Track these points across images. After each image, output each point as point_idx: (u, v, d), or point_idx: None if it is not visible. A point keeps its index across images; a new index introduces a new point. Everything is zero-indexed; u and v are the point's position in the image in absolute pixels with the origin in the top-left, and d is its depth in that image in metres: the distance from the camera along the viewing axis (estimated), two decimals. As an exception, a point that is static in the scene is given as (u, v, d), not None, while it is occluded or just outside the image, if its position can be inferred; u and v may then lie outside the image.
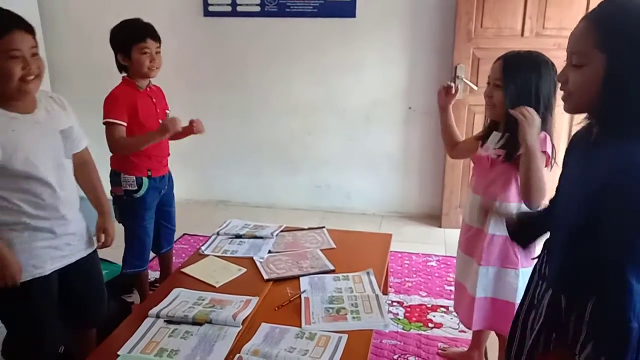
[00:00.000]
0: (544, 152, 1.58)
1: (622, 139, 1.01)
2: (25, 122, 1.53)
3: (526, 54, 1.65)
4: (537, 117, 1.50)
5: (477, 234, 1.74)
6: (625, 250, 1.02)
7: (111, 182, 2.27)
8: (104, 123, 2.16)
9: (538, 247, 1.54)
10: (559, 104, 1.62)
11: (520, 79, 1.59)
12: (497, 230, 1.67)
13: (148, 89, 2.27)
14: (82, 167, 1.79)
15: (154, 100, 2.28)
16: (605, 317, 1.06)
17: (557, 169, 1.46)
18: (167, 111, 2.33)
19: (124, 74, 2.24)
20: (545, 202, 1.50)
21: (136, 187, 2.25)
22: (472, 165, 1.85)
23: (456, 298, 1.91)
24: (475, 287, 1.73)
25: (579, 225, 1.11)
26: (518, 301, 1.58)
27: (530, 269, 1.65)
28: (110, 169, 2.29)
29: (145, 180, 2.27)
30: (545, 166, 1.60)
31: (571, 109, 1.10)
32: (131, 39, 2.15)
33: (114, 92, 2.20)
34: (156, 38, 2.21)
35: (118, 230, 2.37)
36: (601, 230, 1.04)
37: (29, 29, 1.49)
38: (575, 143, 1.21)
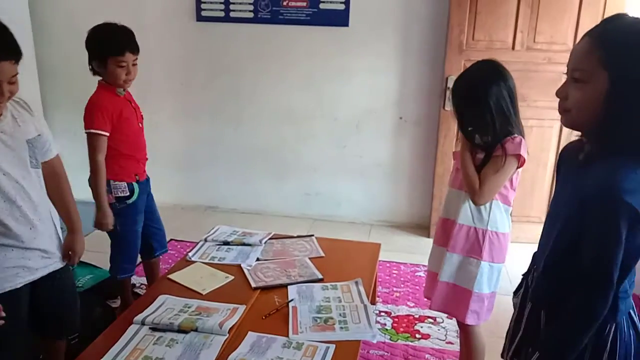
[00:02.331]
0: (519, 155, 1.66)
1: (614, 157, 1.01)
2: None
3: (471, 74, 1.71)
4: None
5: (451, 225, 1.81)
6: (597, 269, 1.03)
7: None
8: (86, 132, 2.10)
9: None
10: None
11: (468, 108, 1.69)
12: (465, 220, 1.76)
13: (126, 93, 2.23)
14: (52, 179, 1.70)
15: (132, 105, 2.26)
16: (563, 329, 1.08)
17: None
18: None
19: (100, 78, 2.17)
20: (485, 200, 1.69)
21: (128, 193, 2.22)
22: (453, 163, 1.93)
23: (428, 286, 1.97)
24: (441, 271, 1.81)
25: (562, 243, 1.12)
26: (476, 290, 1.75)
27: (497, 265, 1.75)
28: None
29: (136, 185, 2.26)
30: (518, 167, 1.69)
31: (569, 124, 1.10)
32: (108, 50, 2.07)
33: (97, 99, 2.12)
34: (135, 50, 2.13)
35: (99, 236, 2.35)
36: (579, 249, 1.05)
37: (16, 59, 1.43)
38: (564, 159, 1.22)
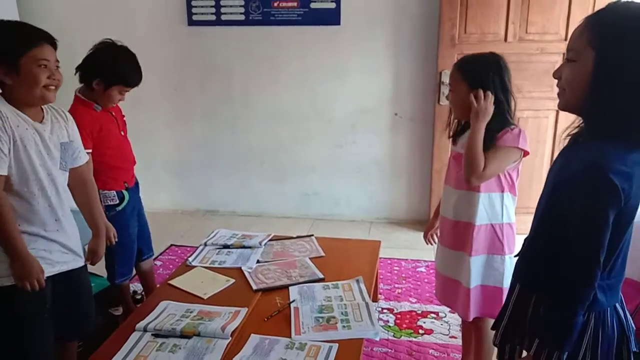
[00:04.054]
0: (518, 148, 1.67)
1: (602, 138, 1.03)
2: (33, 128, 1.58)
3: (478, 54, 1.75)
4: (490, 107, 1.64)
5: (465, 227, 1.77)
6: (582, 249, 1.04)
7: None
8: None
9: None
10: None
11: (477, 71, 1.69)
12: (482, 220, 1.74)
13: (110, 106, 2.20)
14: (80, 185, 1.80)
15: (113, 114, 2.23)
16: (554, 311, 1.09)
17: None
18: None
19: (80, 90, 2.14)
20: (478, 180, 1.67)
21: (118, 201, 2.23)
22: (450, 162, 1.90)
23: (447, 293, 1.90)
24: (469, 278, 1.77)
25: (546, 220, 1.15)
26: (506, 286, 1.72)
27: (511, 256, 1.75)
28: None
29: (125, 193, 2.26)
30: (524, 156, 1.71)
31: (563, 104, 1.12)
32: (120, 80, 2.09)
33: (75, 119, 1.99)
34: (139, 83, 2.18)
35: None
36: (559, 226, 1.07)
37: (55, 46, 1.63)
38: (565, 147, 1.23)
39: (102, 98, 2.12)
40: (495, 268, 1.76)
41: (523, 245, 1.31)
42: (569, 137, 1.20)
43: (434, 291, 2.07)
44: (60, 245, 1.68)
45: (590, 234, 1.02)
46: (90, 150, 2.09)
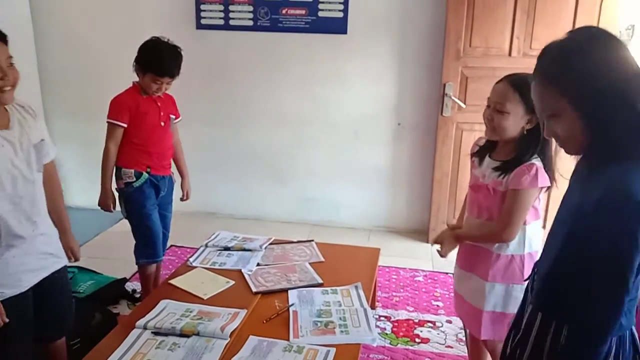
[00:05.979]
0: (538, 188, 1.61)
1: (620, 161, 1.03)
2: (4, 139, 1.51)
3: (525, 75, 1.61)
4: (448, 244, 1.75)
5: (484, 253, 1.72)
6: (611, 275, 1.02)
7: (115, 177, 2.41)
8: (107, 122, 2.33)
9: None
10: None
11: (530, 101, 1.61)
12: (502, 250, 1.69)
13: (153, 95, 2.38)
14: (46, 182, 1.72)
15: (158, 104, 2.39)
16: (576, 341, 1.07)
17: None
18: (172, 116, 2.50)
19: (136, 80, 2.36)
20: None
21: (134, 179, 2.37)
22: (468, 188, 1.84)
23: (463, 311, 1.88)
24: (482, 301, 1.72)
25: (570, 247, 1.12)
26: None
27: None
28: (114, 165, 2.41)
29: (144, 174, 2.39)
30: (545, 191, 1.66)
31: (575, 152, 1.13)
32: (150, 67, 2.27)
33: (119, 96, 2.34)
34: (175, 75, 2.34)
35: (100, 243, 2.36)
36: (585, 257, 1.05)
37: (3, 39, 1.46)
38: (578, 168, 1.22)
39: (143, 84, 2.33)
40: (516, 297, 1.66)
41: (535, 270, 1.29)
42: (581, 166, 1.19)
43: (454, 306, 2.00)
44: (40, 253, 1.63)
45: (621, 260, 0.99)
46: (122, 124, 2.32)
